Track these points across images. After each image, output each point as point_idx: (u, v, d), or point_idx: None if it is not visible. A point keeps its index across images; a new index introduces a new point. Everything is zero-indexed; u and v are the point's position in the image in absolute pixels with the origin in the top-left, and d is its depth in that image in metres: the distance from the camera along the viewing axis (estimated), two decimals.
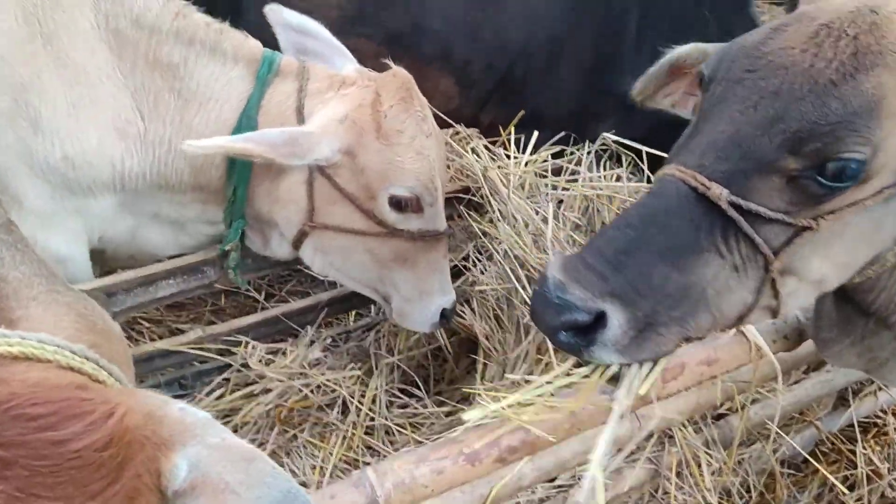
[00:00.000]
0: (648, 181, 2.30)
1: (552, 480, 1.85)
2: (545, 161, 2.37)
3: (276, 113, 1.92)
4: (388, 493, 1.30)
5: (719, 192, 1.19)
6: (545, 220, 2.13)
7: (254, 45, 1.97)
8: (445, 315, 2.13)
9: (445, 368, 2.60)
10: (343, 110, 1.88)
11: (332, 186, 1.89)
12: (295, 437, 2.32)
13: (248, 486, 0.87)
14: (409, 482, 1.32)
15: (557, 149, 2.44)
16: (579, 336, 1.21)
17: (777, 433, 2.14)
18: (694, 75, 1.49)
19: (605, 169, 2.43)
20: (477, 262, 2.33)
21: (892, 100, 1.16)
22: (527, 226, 2.13)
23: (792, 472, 2.46)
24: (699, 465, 1.95)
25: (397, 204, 1.90)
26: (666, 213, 1.23)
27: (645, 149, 2.31)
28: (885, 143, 1.17)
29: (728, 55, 1.28)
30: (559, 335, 1.22)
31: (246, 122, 1.89)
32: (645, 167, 2.34)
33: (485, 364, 2.25)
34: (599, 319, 1.19)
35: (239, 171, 1.92)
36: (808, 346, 1.93)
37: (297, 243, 2.02)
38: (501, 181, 2.20)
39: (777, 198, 1.20)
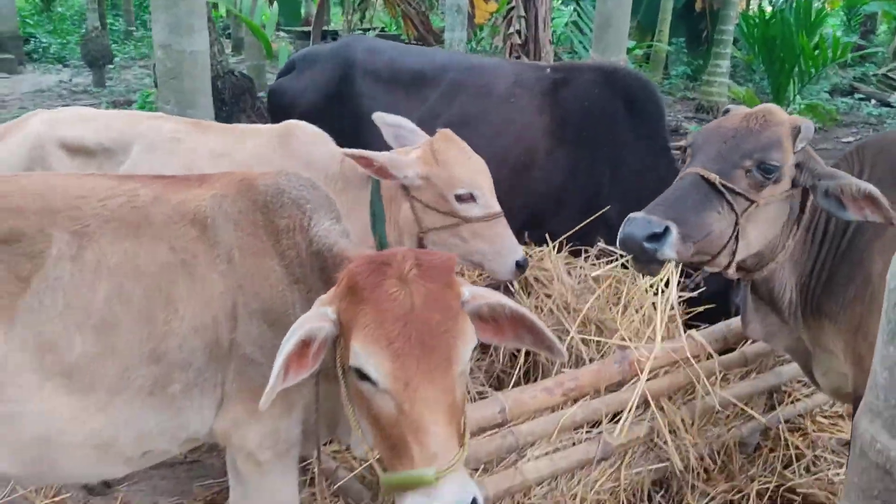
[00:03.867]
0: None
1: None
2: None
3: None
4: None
5: (715, 178, 2.52)
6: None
7: None
8: (520, 265, 3.09)
9: None
10: (416, 155, 3.03)
11: (422, 204, 2.98)
12: None
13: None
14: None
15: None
16: (655, 241, 2.44)
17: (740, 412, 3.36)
18: None
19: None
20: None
21: (787, 143, 2.55)
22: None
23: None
24: (676, 430, 3.15)
25: (459, 198, 2.97)
26: (690, 188, 2.55)
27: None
28: (786, 164, 2.54)
29: (701, 133, 2.71)
30: (644, 243, 2.44)
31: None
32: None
33: None
34: (667, 231, 2.45)
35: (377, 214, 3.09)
36: (735, 355, 3.22)
37: (420, 244, 3.05)
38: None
39: (742, 182, 2.53)
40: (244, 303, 2.19)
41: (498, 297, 1.96)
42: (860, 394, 2.69)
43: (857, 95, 13.28)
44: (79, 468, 2.17)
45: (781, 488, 3.44)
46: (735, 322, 3.31)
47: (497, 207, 3.06)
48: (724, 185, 2.51)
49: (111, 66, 14.96)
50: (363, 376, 1.78)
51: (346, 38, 5.35)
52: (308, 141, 3.13)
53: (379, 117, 3.26)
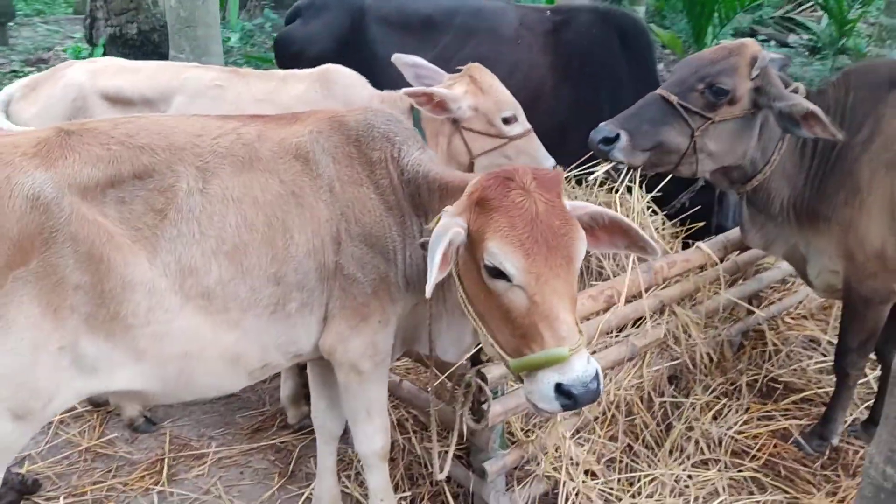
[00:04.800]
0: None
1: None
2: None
3: None
4: None
5: (674, 98, 2.96)
6: None
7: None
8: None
9: None
10: (461, 90, 3.26)
11: (473, 132, 3.22)
12: None
13: None
14: None
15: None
16: (607, 144, 2.98)
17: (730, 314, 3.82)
18: None
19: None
20: None
21: (742, 69, 2.96)
22: None
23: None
24: (688, 329, 3.57)
25: (506, 121, 3.26)
26: (650, 105, 3.05)
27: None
28: (740, 87, 2.96)
29: (679, 63, 3.20)
30: (600, 144, 2.99)
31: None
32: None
33: None
34: (618, 137, 2.96)
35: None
36: (729, 263, 3.66)
37: (470, 170, 3.25)
38: None
39: (697, 102, 2.97)
40: (346, 228, 2.41)
41: (595, 207, 2.26)
42: (851, 287, 3.18)
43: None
44: (210, 381, 2.37)
45: (766, 378, 3.95)
46: (731, 234, 3.74)
47: (528, 124, 3.35)
48: (680, 104, 2.98)
49: (11, 25, 14.15)
50: (497, 274, 2.03)
51: None
52: (348, 84, 3.30)
53: (398, 59, 3.44)
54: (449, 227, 2.06)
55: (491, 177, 2.12)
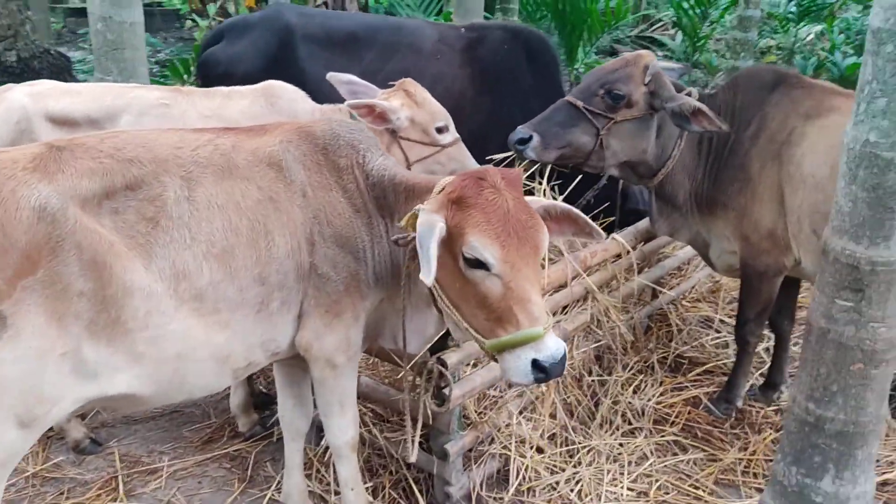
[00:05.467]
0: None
1: None
2: None
3: None
4: None
5: (580, 103, 3.43)
6: None
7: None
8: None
9: None
10: (398, 102, 3.47)
11: (409, 141, 3.44)
12: None
13: None
14: None
15: None
16: (522, 144, 3.43)
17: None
18: None
19: None
20: None
21: (637, 77, 3.42)
22: None
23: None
24: (609, 313, 3.94)
25: (439, 130, 3.49)
26: (559, 110, 3.54)
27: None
28: (635, 91, 3.43)
29: (586, 74, 3.64)
30: (516, 145, 3.47)
31: None
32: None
33: None
34: (531, 138, 3.42)
35: None
36: (637, 252, 4.08)
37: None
38: None
39: (599, 105, 3.43)
40: (319, 230, 2.59)
41: (548, 200, 2.56)
42: (747, 263, 3.64)
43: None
44: (200, 381, 2.48)
45: (673, 355, 4.39)
46: (640, 225, 4.17)
47: (457, 133, 3.63)
48: (585, 108, 3.48)
49: None
50: (476, 265, 2.27)
51: (274, 5, 5.51)
52: (291, 98, 3.46)
53: (333, 77, 3.62)
54: (434, 222, 2.28)
55: (466, 177, 2.36)
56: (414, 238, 2.29)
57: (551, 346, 2.26)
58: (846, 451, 2.37)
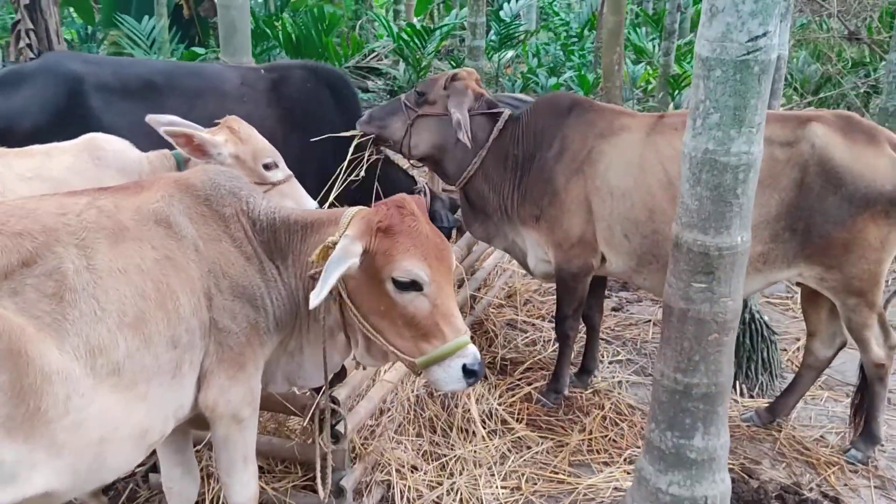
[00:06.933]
0: None
1: None
2: None
3: None
4: None
5: (406, 101, 4.07)
6: None
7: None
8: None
9: None
10: (222, 138, 3.37)
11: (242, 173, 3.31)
12: None
13: None
14: None
15: None
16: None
17: None
18: None
19: None
20: None
21: (441, 82, 4.14)
22: None
23: None
24: None
25: (266, 167, 3.42)
26: (393, 103, 4.32)
27: None
28: (433, 93, 4.11)
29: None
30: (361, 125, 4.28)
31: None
32: None
33: None
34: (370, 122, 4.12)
35: None
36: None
37: None
38: None
39: (414, 104, 4.03)
40: (216, 283, 2.52)
41: None
42: (561, 268, 4.10)
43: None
44: (118, 464, 2.28)
45: (498, 359, 4.76)
46: (469, 237, 4.53)
47: (289, 170, 3.62)
48: (404, 103, 4.17)
49: None
50: (407, 287, 2.41)
51: (49, 54, 4.90)
52: (117, 149, 3.23)
53: (153, 119, 3.39)
54: (350, 253, 2.37)
55: (387, 207, 2.48)
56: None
57: (474, 351, 2.47)
58: (710, 409, 2.83)
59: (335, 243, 2.44)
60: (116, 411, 2.18)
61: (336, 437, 3.06)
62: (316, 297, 2.30)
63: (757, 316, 4.67)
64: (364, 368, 3.09)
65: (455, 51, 15.14)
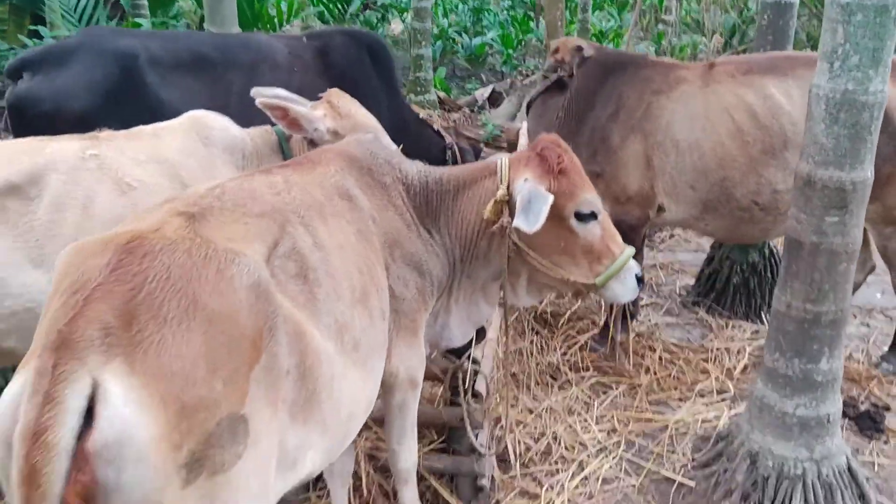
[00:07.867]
0: None
1: None
2: None
3: None
4: None
5: None
6: None
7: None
8: None
9: None
10: (321, 113, 3.21)
11: None
12: None
13: None
14: None
15: None
16: None
17: None
18: None
19: None
20: None
21: None
22: None
23: None
24: None
25: None
26: None
27: None
28: None
29: None
30: None
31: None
32: None
33: None
34: None
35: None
36: None
37: None
38: None
39: None
40: (391, 252, 2.50)
41: None
42: (619, 219, 4.22)
43: None
44: (350, 439, 2.25)
45: (539, 312, 4.87)
46: None
47: (394, 144, 3.54)
48: None
49: None
50: (589, 217, 2.56)
51: (88, 29, 4.46)
52: (222, 127, 3.06)
53: (258, 91, 3.22)
54: (543, 191, 2.46)
55: (549, 149, 2.56)
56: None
57: (635, 265, 2.70)
58: (836, 334, 3.05)
59: (505, 196, 2.53)
60: (357, 387, 2.15)
61: (476, 397, 3.09)
62: (535, 225, 2.37)
63: (776, 251, 4.99)
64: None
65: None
